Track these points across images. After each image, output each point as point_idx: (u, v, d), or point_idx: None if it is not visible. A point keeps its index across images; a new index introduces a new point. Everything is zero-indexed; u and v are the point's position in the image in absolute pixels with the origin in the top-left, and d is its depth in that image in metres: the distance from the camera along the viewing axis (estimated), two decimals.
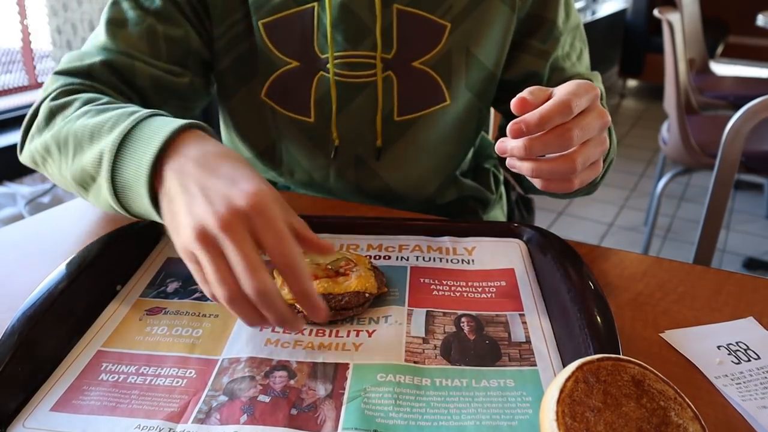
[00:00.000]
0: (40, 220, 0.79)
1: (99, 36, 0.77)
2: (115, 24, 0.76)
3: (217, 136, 0.59)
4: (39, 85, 3.16)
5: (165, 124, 0.55)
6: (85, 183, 0.62)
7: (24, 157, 0.73)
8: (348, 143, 0.84)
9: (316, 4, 0.78)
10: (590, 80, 0.83)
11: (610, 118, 0.58)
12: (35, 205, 2.52)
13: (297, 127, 0.84)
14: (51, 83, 0.73)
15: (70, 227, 0.77)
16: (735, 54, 5.03)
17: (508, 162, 0.58)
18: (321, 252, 0.52)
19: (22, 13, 3.00)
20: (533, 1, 0.82)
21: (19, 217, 2.44)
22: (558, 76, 0.85)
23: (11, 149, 2.74)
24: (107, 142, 0.57)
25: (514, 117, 0.54)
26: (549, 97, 0.55)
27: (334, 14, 0.77)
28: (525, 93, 0.54)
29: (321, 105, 0.82)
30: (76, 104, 0.66)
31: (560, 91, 0.55)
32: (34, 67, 3.13)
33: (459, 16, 0.79)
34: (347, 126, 0.82)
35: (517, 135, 0.53)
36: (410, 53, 0.80)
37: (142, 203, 0.55)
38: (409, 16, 0.79)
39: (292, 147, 0.85)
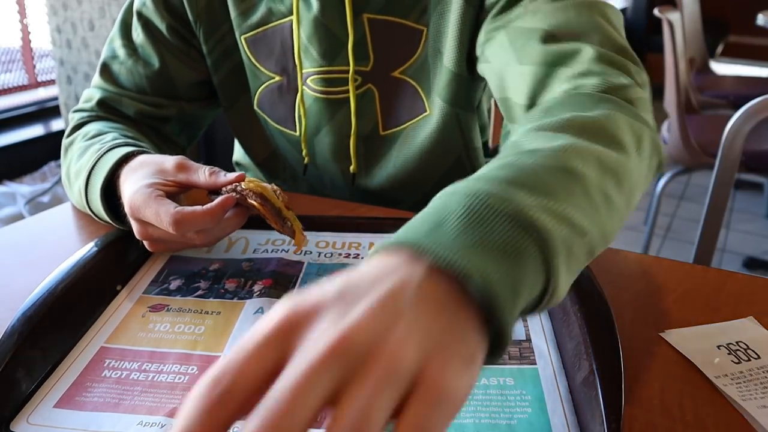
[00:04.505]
0: (40, 219, 0.79)
1: (97, 74, 0.84)
2: (109, 62, 0.83)
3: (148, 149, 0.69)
4: (39, 84, 3.17)
5: (103, 168, 0.66)
6: (87, 211, 0.72)
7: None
8: (328, 158, 0.82)
9: (293, 18, 0.75)
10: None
11: None
12: (35, 205, 2.52)
13: (286, 139, 0.84)
14: (70, 120, 0.82)
15: (70, 227, 0.77)
16: (735, 53, 5.02)
17: None
18: (209, 185, 0.62)
19: (22, 13, 3.00)
20: None
21: (19, 217, 2.44)
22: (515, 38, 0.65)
23: (11, 149, 2.74)
24: (81, 183, 0.69)
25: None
26: None
27: (308, 29, 0.75)
28: None
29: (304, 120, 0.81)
30: (78, 139, 0.76)
31: None
32: (34, 66, 3.13)
33: (432, 16, 0.72)
34: (326, 140, 0.81)
35: None
36: (389, 63, 0.76)
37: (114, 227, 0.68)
38: (382, 25, 0.74)
39: (287, 157, 0.86)
